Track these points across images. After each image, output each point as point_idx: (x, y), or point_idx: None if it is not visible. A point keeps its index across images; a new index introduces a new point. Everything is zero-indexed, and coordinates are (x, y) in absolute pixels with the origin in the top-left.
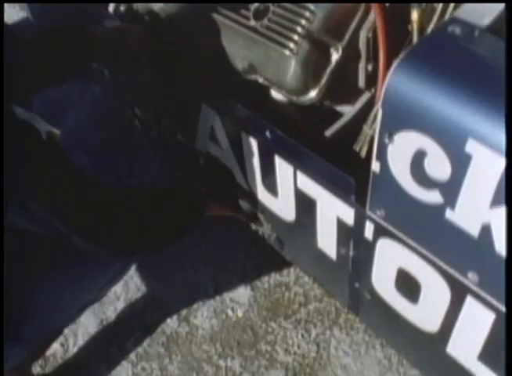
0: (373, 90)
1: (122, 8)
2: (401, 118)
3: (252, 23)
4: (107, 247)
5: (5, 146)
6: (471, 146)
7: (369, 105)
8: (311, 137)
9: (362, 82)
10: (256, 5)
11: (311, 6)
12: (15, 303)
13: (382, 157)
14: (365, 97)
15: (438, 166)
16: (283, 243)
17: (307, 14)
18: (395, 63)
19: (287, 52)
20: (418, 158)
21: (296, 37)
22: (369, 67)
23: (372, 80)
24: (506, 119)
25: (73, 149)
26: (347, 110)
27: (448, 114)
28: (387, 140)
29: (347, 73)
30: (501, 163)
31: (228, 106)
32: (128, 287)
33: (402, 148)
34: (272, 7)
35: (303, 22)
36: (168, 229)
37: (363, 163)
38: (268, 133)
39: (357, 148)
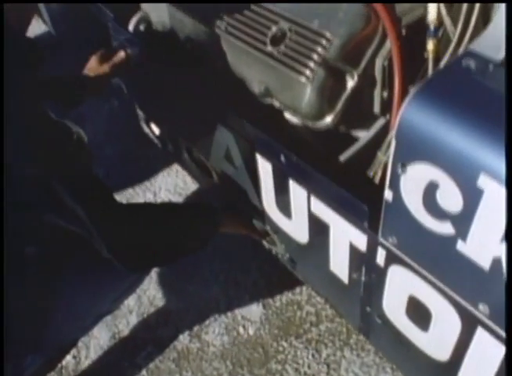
0: (387, 116)
1: (142, 27)
2: (414, 150)
3: (269, 48)
4: (123, 262)
5: (43, 144)
6: (483, 181)
7: (384, 131)
8: (326, 161)
9: (377, 108)
10: (274, 30)
11: (328, 34)
12: (34, 315)
13: (395, 186)
14: (380, 123)
15: (450, 199)
16: (296, 263)
17: (323, 41)
18: (410, 95)
19: (303, 80)
20: (430, 190)
21: (312, 65)
22: (385, 94)
23: (387, 106)
24: (505, 120)
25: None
26: (362, 135)
27: (460, 148)
28: (400, 170)
29: (363, 99)
30: None
31: (243, 128)
32: (141, 301)
33: (415, 179)
34: (288, 33)
35: (319, 49)
36: (182, 244)
37: (377, 189)
38: (282, 157)
39: (371, 174)
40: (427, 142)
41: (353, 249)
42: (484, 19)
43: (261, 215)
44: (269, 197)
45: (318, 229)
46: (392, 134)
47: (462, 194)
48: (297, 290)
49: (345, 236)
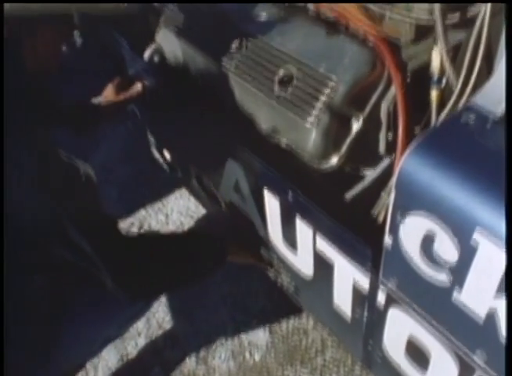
0: (393, 157)
1: (156, 58)
2: (412, 201)
3: (276, 90)
4: (127, 293)
5: (54, 188)
6: (478, 236)
7: (389, 170)
8: (331, 199)
9: (382, 149)
10: (281, 73)
11: (333, 80)
12: (43, 340)
13: (394, 233)
14: (385, 163)
15: (447, 250)
16: (300, 295)
17: (328, 87)
18: (409, 149)
19: (308, 125)
20: (428, 239)
21: (317, 110)
22: (390, 136)
23: (392, 147)
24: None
25: (104, 182)
26: (369, 174)
27: (456, 203)
28: (399, 218)
29: (369, 140)
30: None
31: (252, 163)
32: (150, 324)
33: (413, 228)
34: (296, 76)
35: (324, 95)
36: (186, 275)
37: (380, 229)
38: (290, 194)
39: (375, 213)
40: (425, 193)
41: (356, 288)
42: (488, 69)
43: (268, 246)
44: (276, 230)
45: (322, 266)
46: (393, 182)
47: (458, 247)
48: (304, 317)
49: (349, 276)
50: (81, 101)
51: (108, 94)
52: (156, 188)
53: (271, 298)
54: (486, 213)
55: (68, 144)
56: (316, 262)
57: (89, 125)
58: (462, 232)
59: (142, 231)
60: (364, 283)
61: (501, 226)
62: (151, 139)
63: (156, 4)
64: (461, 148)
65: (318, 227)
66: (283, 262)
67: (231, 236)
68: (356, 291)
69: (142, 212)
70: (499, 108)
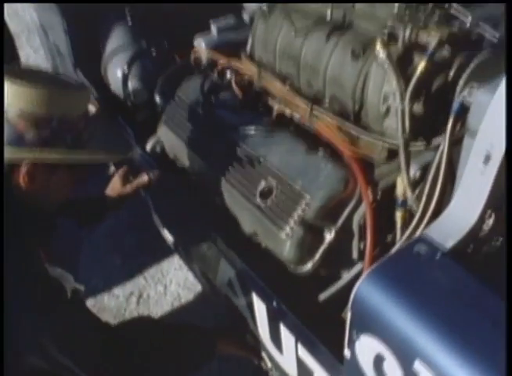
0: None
1: (158, 149)
2: (364, 323)
3: (258, 201)
4: None
5: (34, 299)
6: (418, 366)
7: (360, 275)
8: (308, 301)
9: (355, 256)
10: (263, 185)
11: (308, 197)
12: None
13: (352, 347)
14: (357, 268)
15: (394, 373)
16: None
17: (303, 203)
18: (363, 276)
19: (283, 236)
20: (378, 359)
21: (292, 223)
22: (361, 245)
23: (363, 253)
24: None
25: (110, 250)
26: (343, 276)
27: (402, 331)
28: (355, 336)
29: (342, 248)
30: None
31: (242, 268)
32: None
33: (366, 347)
34: (275, 190)
35: (299, 209)
36: (179, 366)
37: None
38: (275, 303)
39: (346, 316)
40: (375, 318)
41: None
42: (447, 198)
43: (258, 342)
44: (264, 330)
45: (304, 371)
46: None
47: (402, 372)
48: None
49: None
50: (89, 195)
51: (115, 186)
52: (158, 258)
53: None
54: (427, 346)
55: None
56: (299, 367)
57: (94, 217)
58: (405, 359)
59: (132, 318)
60: None
61: (441, 360)
62: (155, 217)
63: (158, 101)
64: (410, 278)
65: (299, 336)
66: (270, 358)
67: (224, 327)
68: None
69: (142, 281)
70: (449, 242)
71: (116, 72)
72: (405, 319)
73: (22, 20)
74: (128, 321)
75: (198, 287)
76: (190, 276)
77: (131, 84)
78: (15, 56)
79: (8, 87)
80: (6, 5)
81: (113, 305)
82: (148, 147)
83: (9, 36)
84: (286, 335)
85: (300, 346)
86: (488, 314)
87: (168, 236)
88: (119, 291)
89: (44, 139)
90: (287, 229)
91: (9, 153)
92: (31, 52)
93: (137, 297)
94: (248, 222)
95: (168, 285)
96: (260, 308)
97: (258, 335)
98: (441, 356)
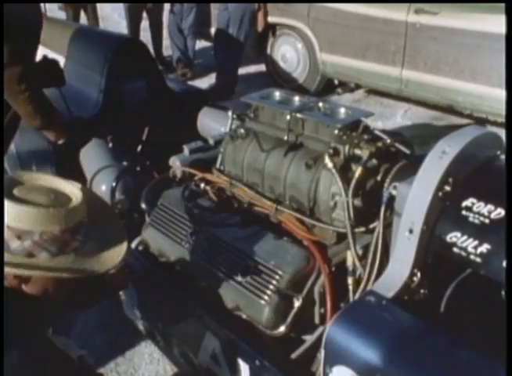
0: (325, 325)
1: (140, 247)
2: (336, 356)
3: (239, 278)
4: None
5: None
6: None
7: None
8: (283, 359)
9: (317, 320)
10: (242, 266)
11: (280, 272)
12: None
13: None
14: (319, 330)
15: None
16: None
17: (277, 277)
18: (331, 321)
19: (263, 302)
20: None
21: (269, 293)
22: (322, 310)
23: (324, 318)
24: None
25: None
26: (308, 338)
27: (365, 361)
28: (328, 370)
29: (307, 314)
30: None
31: (226, 335)
32: None
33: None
34: (253, 269)
35: (274, 282)
36: None
37: None
38: (257, 362)
39: (313, 370)
40: (344, 351)
41: None
42: (385, 264)
43: None
44: None
45: None
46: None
47: None
48: None
49: None
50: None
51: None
52: (130, 354)
53: None
54: (384, 364)
55: None
56: None
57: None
58: None
59: None
60: None
61: (395, 374)
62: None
63: (144, 206)
64: (367, 318)
65: None
66: None
67: None
68: None
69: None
70: (390, 293)
71: (101, 187)
72: (365, 348)
73: None
74: None
75: None
76: (161, 369)
77: (118, 196)
78: None
79: None
80: None
81: None
82: (133, 246)
83: None
84: None
85: None
86: (425, 341)
87: (146, 328)
88: None
89: (26, 248)
90: (265, 297)
91: None
92: None
93: None
94: (231, 297)
95: None
96: (244, 369)
97: None
98: (394, 371)
